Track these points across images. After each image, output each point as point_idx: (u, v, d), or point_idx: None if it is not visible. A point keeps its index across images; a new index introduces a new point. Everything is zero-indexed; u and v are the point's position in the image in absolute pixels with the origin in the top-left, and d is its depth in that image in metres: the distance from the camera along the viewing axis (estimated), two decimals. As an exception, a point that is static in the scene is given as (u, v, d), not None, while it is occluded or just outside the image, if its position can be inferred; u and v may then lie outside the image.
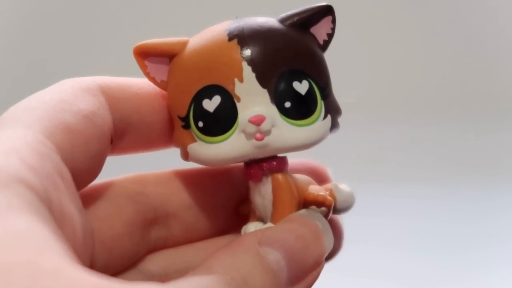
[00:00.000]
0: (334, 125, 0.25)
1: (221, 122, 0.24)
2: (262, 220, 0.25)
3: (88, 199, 0.25)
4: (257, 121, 0.23)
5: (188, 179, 0.28)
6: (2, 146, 0.20)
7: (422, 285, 0.57)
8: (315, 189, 0.26)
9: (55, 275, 0.16)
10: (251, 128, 0.23)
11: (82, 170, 0.23)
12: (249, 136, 0.24)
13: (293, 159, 0.27)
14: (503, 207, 0.70)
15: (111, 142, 0.24)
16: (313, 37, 0.25)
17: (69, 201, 0.21)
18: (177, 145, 0.26)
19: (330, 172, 0.29)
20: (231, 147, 0.24)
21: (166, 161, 0.29)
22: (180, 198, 0.28)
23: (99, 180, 0.25)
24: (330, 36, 0.26)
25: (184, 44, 0.25)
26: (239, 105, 0.24)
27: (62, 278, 0.17)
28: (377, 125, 0.83)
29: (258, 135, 0.24)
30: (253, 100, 0.24)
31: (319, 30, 0.25)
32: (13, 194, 0.18)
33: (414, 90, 0.90)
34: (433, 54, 0.93)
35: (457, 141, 0.82)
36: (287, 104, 0.24)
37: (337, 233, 0.28)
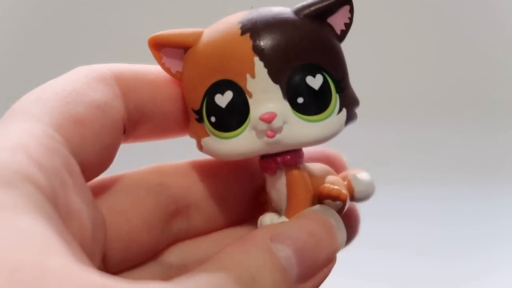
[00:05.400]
0: (350, 117, 0.25)
1: (233, 118, 0.24)
2: (278, 211, 0.25)
3: (107, 192, 0.25)
4: (268, 118, 0.23)
5: (207, 169, 0.28)
6: (9, 141, 0.20)
7: (424, 285, 0.56)
8: (331, 182, 0.25)
9: (60, 275, 0.17)
10: (262, 125, 0.23)
11: (92, 161, 0.23)
12: (260, 133, 0.23)
13: (309, 148, 0.26)
14: (510, 208, 0.69)
15: (124, 131, 0.24)
16: (330, 27, 0.25)
17: (76, 197, 0.21)
18: (192, 137, 0.26)
19: (345, 159, 0.29)
20: (242, 143, 0.24)
21: (182, 149, 0.29)
22: (200, 189, 0.27)
23: (115, 172, 0.25)
24: (348, 25, 0.25)
25: (198, 35, 0.25)
26: (251, 101, 0.23)
27: (66, 278, 0.17)
28: (380, 126, 0.81)
29: (269, 132, 0.23)
30: (265, 96, 0.23)
31: (337, 20, 0.25)
32: (19, 194, 0.18)
33: (420, 92, 0.90)
34: (440, 56, 0.92)
35: (464, 142, 0.81)
36: (300, 100, 0.23)
37: (353, 221, 0.28)
